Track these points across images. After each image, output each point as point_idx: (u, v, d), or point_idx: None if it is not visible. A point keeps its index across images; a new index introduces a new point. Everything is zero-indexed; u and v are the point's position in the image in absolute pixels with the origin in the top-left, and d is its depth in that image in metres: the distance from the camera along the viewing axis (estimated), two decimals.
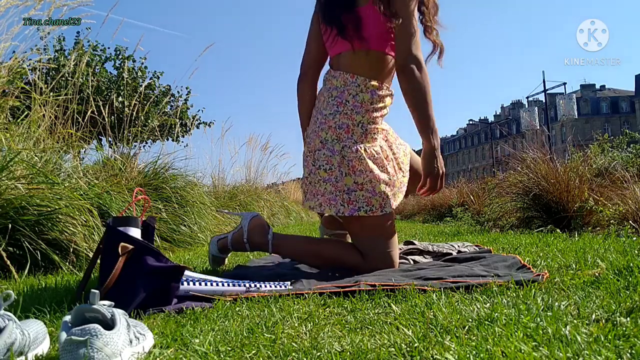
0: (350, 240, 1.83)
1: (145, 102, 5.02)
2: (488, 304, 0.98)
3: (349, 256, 1.60)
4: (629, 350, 0.65)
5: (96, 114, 3.24)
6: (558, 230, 2.60)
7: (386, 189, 1.59)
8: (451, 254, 1.85)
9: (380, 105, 1.65)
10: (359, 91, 1.62)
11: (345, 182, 1.56)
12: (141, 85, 5.28)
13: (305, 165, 1.68)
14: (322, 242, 1.72)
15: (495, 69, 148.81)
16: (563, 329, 0.75)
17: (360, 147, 1.58)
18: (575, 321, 0.81)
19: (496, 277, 1.24)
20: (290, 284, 1.30)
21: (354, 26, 1.62)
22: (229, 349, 0.77)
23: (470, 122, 52.20)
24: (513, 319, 0.83)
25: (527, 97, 23.56)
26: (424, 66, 1.58)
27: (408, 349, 0.72)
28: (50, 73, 4.42)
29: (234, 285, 1.23)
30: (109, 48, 6.86)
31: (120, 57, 6.81)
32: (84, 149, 3.40)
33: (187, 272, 1.18)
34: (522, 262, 1.46)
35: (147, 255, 1.12)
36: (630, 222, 2.34)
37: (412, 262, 1.77)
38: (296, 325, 0.90)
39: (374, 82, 1.63)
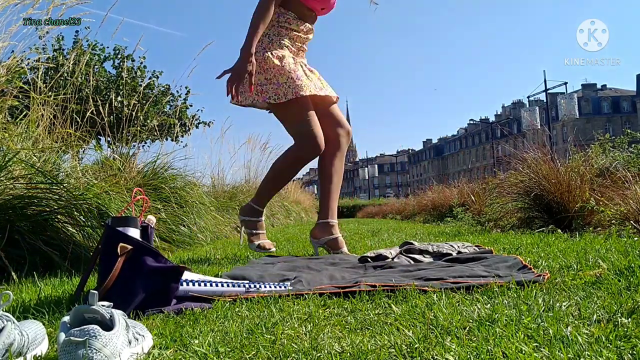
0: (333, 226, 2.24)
1: (144, 101, 5.01)
2: (489, 305, 0.97)
3: (288, 153, 2.11)
4: (630, 351, 0.65)
5: (95, 113, 3.23)
6: (559, 231, 2.60)
7: (289, 80, 2.04)
8: (451, 254, 1.84)
9: (287, 25, 2.11)
10: (273, 13, 2.07)
11: (258, 79, 2.05)
12: (140, 85, 5.27)
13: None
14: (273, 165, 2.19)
15: (496, 69, 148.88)
16: (564, 330, 0.74)
17: (267, 53, 2.06)
18: (576, 322, 0.80)
19: (497, 277, 1.24)
20: (290, 285, 1.30)
21: None
22: (229, 349, 0.77)
23: (471, 122, 52.18)
24: (514, 319, 0.83)
25: (528, 97, 23.57)
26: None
27: (408, 350, 0.72)
28: (49, 72, 4.40)
29: (233, 286, 1.22)
30: (107, 47, 6.83)
31: (119, 56, 6.78)
32: (83, 149, 3.39)
33: (186, 273, 1.18)
34: (523, 262, 1.46)
35: (146, 256, 1.12)
36: (632, 222, 2.33)
37: (411, 261, 1.76)
38: (296, 326, 0.90)
39: (282, 8, 2.11)
